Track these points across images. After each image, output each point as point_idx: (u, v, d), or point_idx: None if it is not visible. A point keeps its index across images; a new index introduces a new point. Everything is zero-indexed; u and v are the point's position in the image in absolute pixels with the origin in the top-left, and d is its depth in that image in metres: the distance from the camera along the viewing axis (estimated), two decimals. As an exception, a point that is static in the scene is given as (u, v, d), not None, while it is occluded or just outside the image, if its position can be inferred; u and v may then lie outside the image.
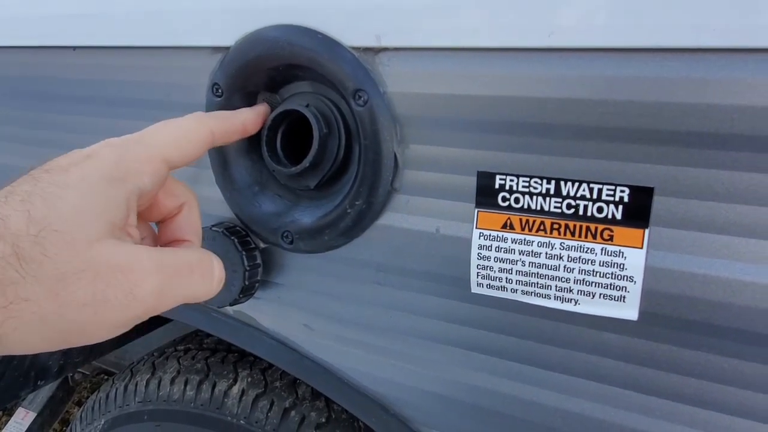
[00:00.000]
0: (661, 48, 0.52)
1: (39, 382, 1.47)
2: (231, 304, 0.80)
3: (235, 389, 1.11)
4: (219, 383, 1.12)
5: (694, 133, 0.52)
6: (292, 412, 1.06)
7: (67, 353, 1.47)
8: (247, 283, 0.78)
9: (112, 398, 1.28)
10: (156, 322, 1.63)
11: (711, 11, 0.49)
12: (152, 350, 1.37)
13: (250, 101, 0.76)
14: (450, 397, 0.72)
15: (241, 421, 1.08)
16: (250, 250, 0.78)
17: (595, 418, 0.64)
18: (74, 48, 0.86)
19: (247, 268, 0.77)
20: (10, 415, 2.15)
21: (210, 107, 0.76)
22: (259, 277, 0.79)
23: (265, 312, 0.84)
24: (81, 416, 1.39)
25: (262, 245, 0.80)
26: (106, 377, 2.37)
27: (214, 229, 0.79)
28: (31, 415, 2.14)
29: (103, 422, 1.30)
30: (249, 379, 1.12)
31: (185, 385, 1.16)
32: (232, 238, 0.77)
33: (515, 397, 0.68)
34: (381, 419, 0.77)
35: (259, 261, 0.79)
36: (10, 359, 1.33)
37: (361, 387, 0.78)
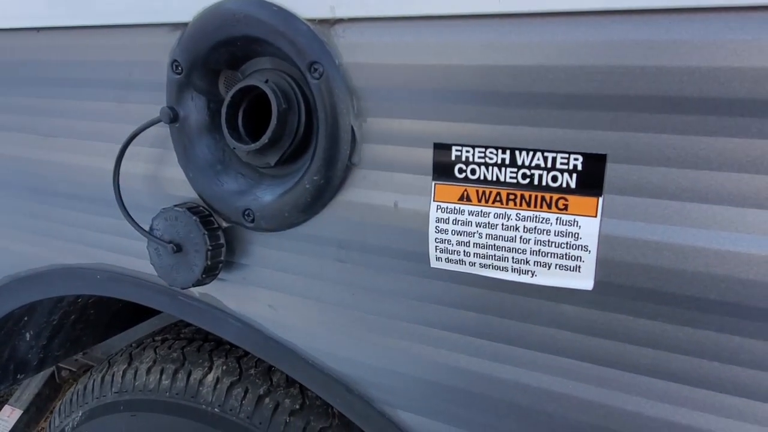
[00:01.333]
0: (608, 10, 0.51)
1: (19, 375, 1.46)
2: (194, 285, 0.79)
3: (210, 377, 1.10)
4: (194, 372, 1.11)
5: (644, 97, 0.52)
6: (267, 399, 1.05)
7: (47, 346, 1.46)
8: (209, 263, 0.77)
9: (90, 390, 1.27)
10: (140, 315, 1.63)
11: (656, -30, 0.48)
12: (131, 342, 1.36)
13: (211, 79, 0.75)
14: (412, 375, 0.71)
15: (216, 409, 1.07)
16: (212, 230, 0.77)
17: (554, 392, 0.63)
18: (38, 29, 0.86)
19: (210, 248, 0.77)
20: (-4, 412, 2.14)
21: (170, 85, 0.75)
22: (222, 258, 0.79)
23: (230, 294, 0.83)
24: (60, 409, 1.38)
25: (225, 225, 0.79)
26: (93, 374, 2.36)
27: (176, 208, 0.78)
28: (17, 413, 2.13)
29: (80, 414, 1.29)
30: (224, 367, 1.11)
31: (161, 374, 1.15)
32: (195, 217, 0.77)
33: (476, 373, 0.67)
34: (345, 399, 0.77)
35: (222, 241, 0.78)
36: (-14, 353, 1.32)
37: (324, 367, 0.77)
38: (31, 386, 2.19)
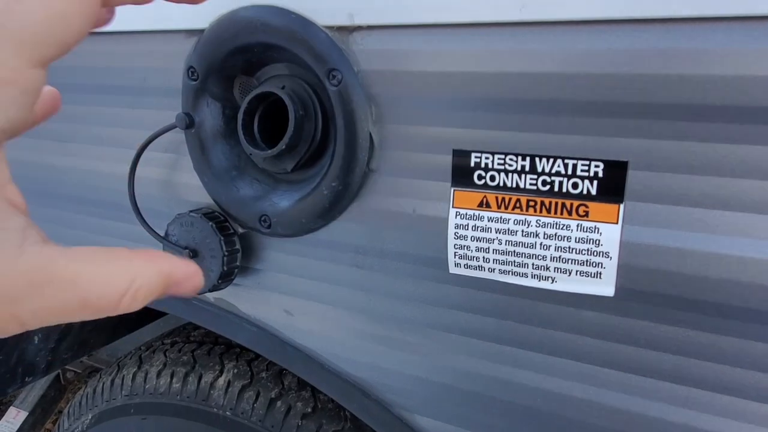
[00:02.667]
0: (631, 19, 0.52)
1: (27, 378, 1.45)
2: (210, 291, 0.79)
3: (221, 381, 1.10)
4: (205, 375, 1.12)
5: (667, 105, 0.52)
6: (278, 403, 1.05)
7: (55, 349, 1.46)
8: (225, 268, 0.77)
9: (99, 392, 1.27)
10: (146, 318, 1.63)
11: (680, -21, 0.49)
12: (139, 345, 1.36)
13: (226, 85, 0.75)
14: (430, 380, 0.72)
15: (227, 413, 1.07)
16: (228, 236, 0.77)
17: (574, 397, 0.63)
18: (51, 35, 0.86)
19: (226, 254, 0.77)
20: (1, 414, 2.14)
21: (186, 91, 0.75)
22: (238, 263, 0.79)
23: (245, 298, 0.83)
24: (69, 412, 1.38)
25: (240, 230, 0.79)
26: (98, 376, 2.36)
27: (192, 214, 0.78)
28: (23, 415, 2.13)
29: (90, 417, 1.29)
30: (235, 371, 1.11)
31: (171, 377, 1.15)
32: (211, 223, 0.77)
33: (495, 378, 0.67)
34: (362, 404, 0.77)
35: (237, 246, 0.78)
36: (-4, 355, 1.32)
37: (341, 372, 0.78)
38: (36, 388, 2.19)
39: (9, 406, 2.16)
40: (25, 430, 2.11)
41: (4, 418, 2.13)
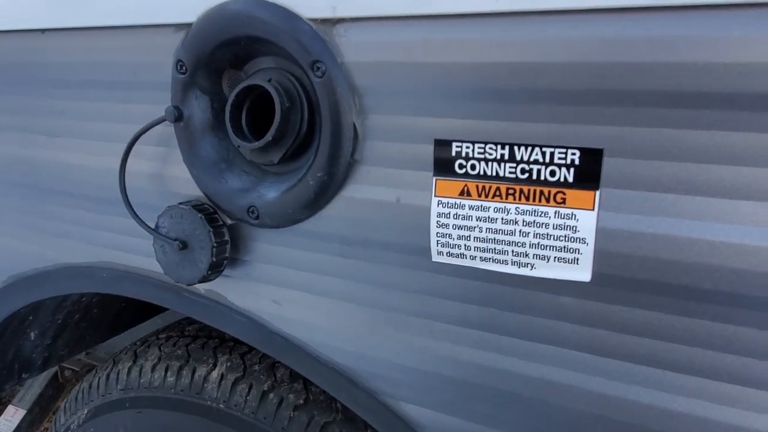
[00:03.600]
0: (606, 8, 0.53)
1: (23, 375, 1.46)
2: (200, 281, 0.80)
3: (215, 374, 1.11)
4: (199, 368, 1.13)
5: (642, 92, 0.53)
6: (271, 395, 1.06)
7: (51, 345, 1.47)
8: (215, 259, 0.78)
9: (95, 387, 1.28)
10: (143, 315, 1.64)
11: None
12: (135, 340, 1.37)
13: (215, 78, 0.76)
14: (416, 368, 0.73)
15: (221, 405, 1.08)
16: (217, 227, 0.79)
17: (555, 382, 0.64)
18: (43, 31, 0.87)
19: (215, 245, 0.78)
20: (0, 412, 2.15)
21: (175, 85, 0.76)
22: (227, 254, 0.80)
23: (234, 289, 0.84)
24: (65, 407, 1.39)
25: (229, 222, 0.80)
26: (96, 374, 2.37)
27: (181, 206, 0.79)
28: (21, 413, 2.14)
29: (85, 411, 1.30)
30: (228, 364, 1.12)
31: (166, 371, 1.16)
32: (200, 215, 0.78)
33: (478, 364, 0.68)
34: (349, 392, 0.78)
35: (227, 237, 0.80)
36: (-8, 352, 1.33)
37: (329, 361, 0.79)
38: (34, 386, 2.20)
39: (7, 405, 2.17)
40: (23, 428, 2.12)
41: (2, 416, 2.14)
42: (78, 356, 2.19)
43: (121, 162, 0.82)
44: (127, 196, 0.83)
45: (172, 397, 1.15)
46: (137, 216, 0.83)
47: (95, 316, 1.47)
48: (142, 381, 1.20)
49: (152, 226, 0.82)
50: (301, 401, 1.05)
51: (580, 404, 0.64)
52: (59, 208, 0.97)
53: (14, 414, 2.14)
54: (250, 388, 1.08)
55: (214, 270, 0.80)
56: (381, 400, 0.77)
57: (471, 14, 0.59)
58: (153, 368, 1.19)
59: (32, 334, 1.36)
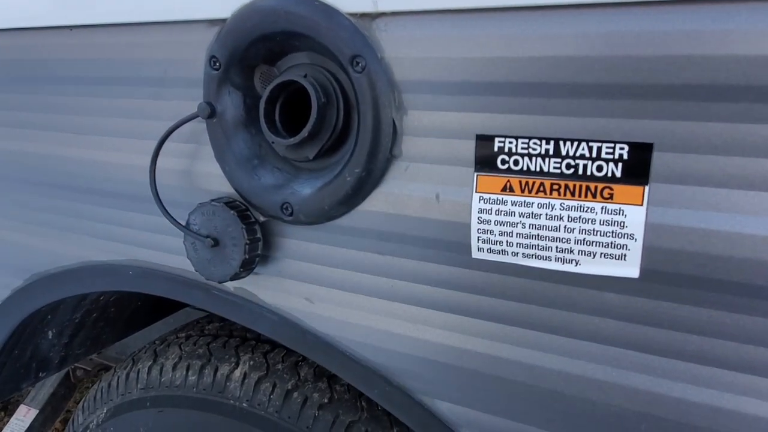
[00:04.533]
0: (654, 0, 0.52)
1: (40, 374, 1.46)
2: (232, 279, 0.80)
3: (237, 373, 1.11)
4: (221, 367, 1.12)
5: (690, 86, 0.53)
6: (295, 394, 1.05)
7: (68, 344, 1.47)
8: (247, 256, 0.78)
9: (114, 386, 1.28)
10: (157, 314, 1.64)
11: (706, -40, 0.49)
12: (151, 340, 1.37)
13: (248, 74, 0.76)
14: (452, 365, 0.72)
15: (244, 404, 1.08)
16: (250, 224, 0.78)
17: (597, 380, 0.64)
18: (71, 28, 0.86)
19: (248, 242, 0.77)
20: (12, 412, 2.15)
21: (208, 81, 0.76)
22: (259, 251, 0.79)
23: (265, 287, 0.84)
24: (83, 406, 1.39)
25: (261, 219, 0.80)
26: (107, 373, 2.36)
27: (214, 203, 0.79)
28: (33, 412, 2.14)
29: (105, 411, 1.30)
30: (251, 363, 1.12)
31: (187, 370, 1.16)
32: (233, 212, 0.77)
33: (518, 362, 0.68)
34: (383, 391, 0.77)
35: (259, 235, 0.79)
36: (11, 351, 1.33)
37: (363, 359, 0.78)
38: (46, 386, 2.20)
39: (19, 404, 2.17)
40: (35, 427, 2.12)
41: (14, 415, 2.14)
42: (90, 356, 2.19)
43: (152, 159, 0.81)
44: (158, 193, 0.82)
45: (193, 396, 1.14)
46: (168, 213, 0.82)
47: (112, 315, 1.47)
48: (163, 380, 1.19)
49: (183, 223, 0.82)
50: (326, 400, 1.04)
51: (624, 402, 0.63)
52: (87, 206, 0.96)
53: (26, 413, 2.14)
54: (274, 386, 1.07)
55: (246, 267, 0.79)
56: (416, 399, 0.76)
57: (512, 8, 0.58)
58: (174, 367, 1.18)
59: (50, 333, 1.36)
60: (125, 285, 0.98)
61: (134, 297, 1.44)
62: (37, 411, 2.14)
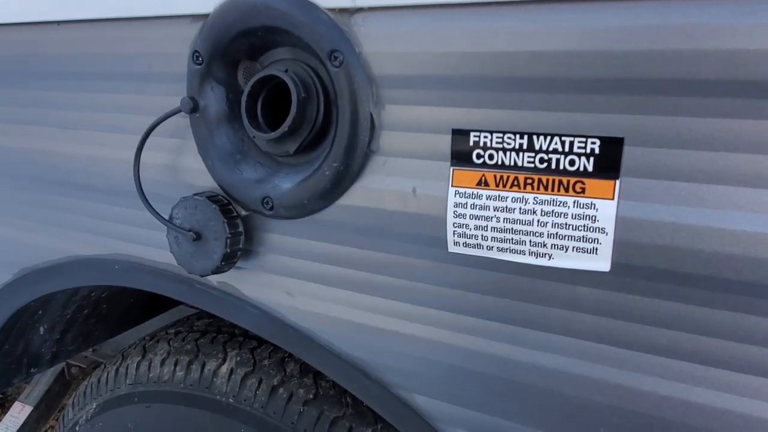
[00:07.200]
0: (626, -4, 0.53)
1: (32, 370, 1.47)
2: (214, 272, 0.80)
3: (224, 368, 1.11)
4: (208, 363, 1.13)
5: (660, 81, 0.53)
6: (281, 389, 1.06)
7: (60, 340, 1.48)
8: (228, 250, 0.78)
9: (103, 382, 1.28)
10: (151, 311, 1.64)
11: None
12: (143, 335, 1.37)
13: (230, 69, 0.76)
14: (429, 359, 0.72)
15: (230, 400, 1.08)
16: (232, 218, 0.79)
17: (571, 373, 0.64)
18: (58, 23, 0.87)
19: (229, 236, 0.78)
20: (7, 409, 2.15)
21: (191, 75, 0.77)
22: (241, 245, 0.80)
23: (247, 281, 0.84)
24: (73, 402, 1.39)
25: (243, 213, 0.80)
26: (102, 371, 2.37)
27: (196, 197, 0.79)
28: (27, 409, 2.14)
29: (94, 406, 1.30)
30: (238, 359, 1.12)
31: (175, 366, 1.16)
32: (215, 206, 0.78)
33: (493, 356, 0.68)
34: (362, 385, 0.78)
35: (241, 229, 0.79)
36: (1, 346, 1.33)
37: (341, 353, 0.79)
38: (41, 383, 2.21)
39: (14, 401, 2.17)
40: (29, 424, 2.12)
41: (9, 412, 2.15)
42: (85, 353, 2.20)
43: (136, 153, 0.82)
44: (141, 187, 0.83)
45: (181, 392, 1.15)
46: (151, 207, 0.83)
47: (104, 312, 1.47)
48: (151, 375, 1.20)
49: (166, 217, 0.82)
50: (311, 396, 1.05)
51: (596, 395, 0.63)
52: (72, 200, 0.97)
53: (21, 410, 2.14)
54: (260, 382, 1.07)
55: (228, 261, 0.80)
56: (394, 393, 0.76)
57: (488, 3, 0.59)
58: (162, 363, 1.19)
59: (41, 329, 1.36)
60: (112, 279, 0.98)
61: (127, 293, 1.44)
62: (32, 408, 2.14)
